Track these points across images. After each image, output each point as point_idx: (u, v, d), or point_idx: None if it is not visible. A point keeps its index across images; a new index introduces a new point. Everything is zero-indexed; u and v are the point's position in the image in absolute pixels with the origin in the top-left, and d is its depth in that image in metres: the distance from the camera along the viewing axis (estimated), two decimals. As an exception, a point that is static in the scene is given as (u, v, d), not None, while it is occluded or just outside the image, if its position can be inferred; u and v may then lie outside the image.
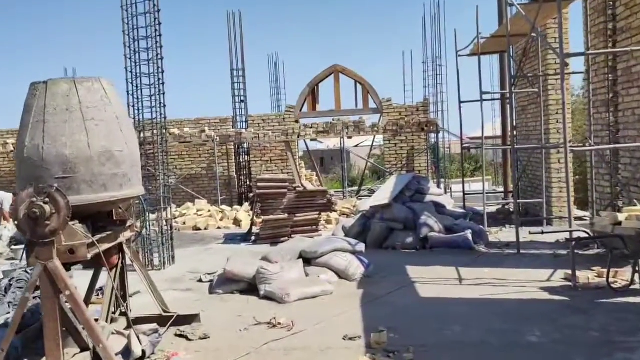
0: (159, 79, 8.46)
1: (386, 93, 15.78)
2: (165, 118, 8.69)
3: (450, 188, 16.13)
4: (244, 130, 14.93)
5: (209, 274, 7.64)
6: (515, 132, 12.94)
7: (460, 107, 12.39)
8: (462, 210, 9.90)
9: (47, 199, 3.91)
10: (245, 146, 15.54)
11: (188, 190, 15.17)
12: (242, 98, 15.52)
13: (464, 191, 12.37)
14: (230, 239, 11.19)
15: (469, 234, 8.63)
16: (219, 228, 12.73)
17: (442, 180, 15.45)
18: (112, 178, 4.42)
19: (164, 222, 8.59)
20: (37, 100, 4.31)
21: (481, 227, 9.37)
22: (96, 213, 4.56)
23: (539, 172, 11.13)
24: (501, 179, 11.00)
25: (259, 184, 10.46)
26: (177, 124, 15.70)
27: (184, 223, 12.86)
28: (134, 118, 8.40)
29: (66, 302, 4.10)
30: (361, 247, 7.28)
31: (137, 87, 8.40)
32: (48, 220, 3.90)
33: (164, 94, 8.55)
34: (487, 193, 10.93)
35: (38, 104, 4.29)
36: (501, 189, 17.92)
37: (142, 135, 8.43)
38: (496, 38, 10.90)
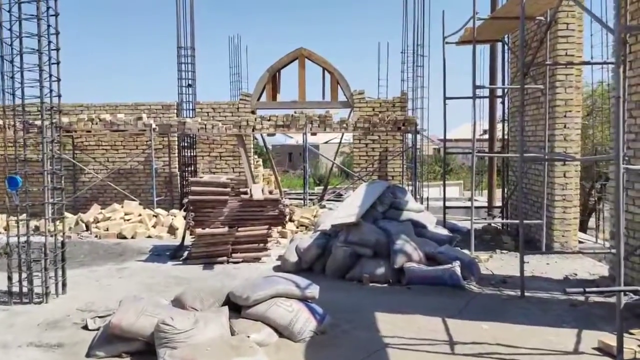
0: (49, 42, 6.19)
1: (358, 86, 13.53)
2: (59, 97, 6.42)
3: (423, 195, 14.02)
4: (188, 119, 12.55)
5: (100, 317, 5.45)
6: (508, 137, 11.09)
7: (445, 104, 10.40)
8: (446, 233, 7.87)
9: None
10: (191, 138, 13.21)
11: (119, 189, 12.73)
12: (190, 82, 13.14)
13: (444, 204, 10.39)
14: (157, 254, 8.96)
15: (457, 267, 6.64)
16: (149, 237, 10.46)
17: (418, 187, 13.39)
18: None
19: (51, 237, 6.33)
20: None
21: (471, 256, 7.40)
22: None
23: (536, 186, 9.25)
24: (473, 185, 9.14)
25: (192, 188, 8.26)
26: (110, 109, 13.25)
27: (107, 229, 10.54)
28: (12, 94, 6.12)
29: None
30: (314, 291, 5.18)
31: (18, 52, 6.09)
32: None
33: (57, 63, 6.30)
34: (472, 206, 8.96)
35: None
36: (481, 199, 16.16)
37: (21, 118, 6.15)
38: (494, 21, 8.96)
